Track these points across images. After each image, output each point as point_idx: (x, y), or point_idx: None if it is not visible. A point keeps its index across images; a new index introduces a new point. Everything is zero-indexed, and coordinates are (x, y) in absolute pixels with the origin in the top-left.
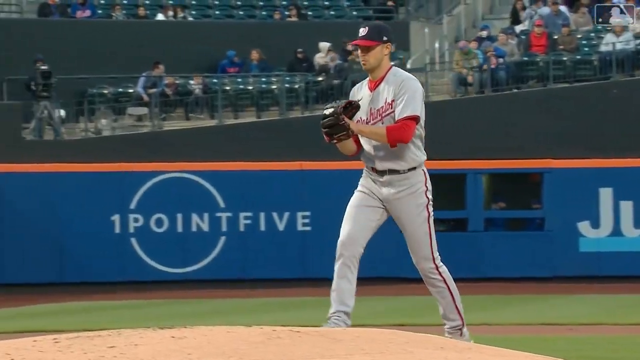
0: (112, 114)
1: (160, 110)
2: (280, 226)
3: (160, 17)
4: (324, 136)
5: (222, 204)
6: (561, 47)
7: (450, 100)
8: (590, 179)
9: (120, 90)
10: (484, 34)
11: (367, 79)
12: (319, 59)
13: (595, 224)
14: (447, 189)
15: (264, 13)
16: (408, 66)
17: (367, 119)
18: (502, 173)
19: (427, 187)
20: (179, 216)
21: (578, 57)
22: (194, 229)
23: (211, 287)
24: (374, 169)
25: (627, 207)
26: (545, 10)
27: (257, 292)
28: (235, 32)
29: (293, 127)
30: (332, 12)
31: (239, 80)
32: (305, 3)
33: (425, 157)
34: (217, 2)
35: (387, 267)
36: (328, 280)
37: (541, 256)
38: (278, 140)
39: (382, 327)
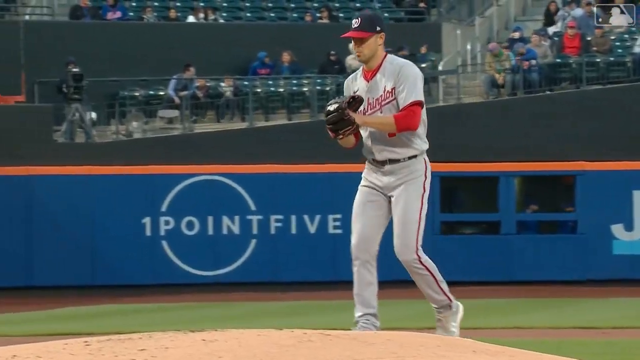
0: (143, 116)
1: (191, 113)
2: (312, 229)
3: (191, 19)
4: (329, 132)
5: (253, 207)
6: (594, 48)
7: (482, 103)
8: (624, 181)
9: (151, 92)
10: (516, 35)
11: (361, 69)
12: (351, 60)
13: (629, 227)
14: (479, 192)
15: (295, 15)
16: (440, 68)
17: (364, 109)
18: (535, 176)
19: (426, 176)
20: (210, 219)
21: (611, 58)
22: (224, 231)
23: (242, 290)
24: (374, 160)
25: None
26: (579, 11)
27: (288, 295)
28: (266, 34)
29: (324, 129)
30: None
31: (270, 82)
32: (337, 5)
33: (427, 146)
34: (248, 4)
35: None
36: None
37: (574, 259)
38: (309, 143)
39: (413, 331)
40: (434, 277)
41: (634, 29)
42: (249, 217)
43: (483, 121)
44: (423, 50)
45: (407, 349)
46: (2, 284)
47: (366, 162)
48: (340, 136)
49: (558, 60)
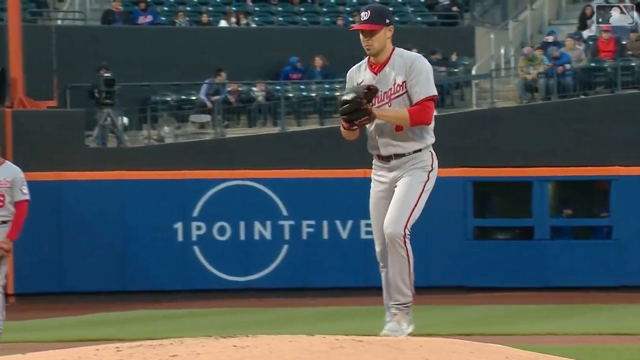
0: (174, 121)
1: (223, 118)
2: (344, 234)
3: (223, 23)
4: (342, 122)
5: (284, 212)
6: (630, 52)
7: (516, 107)
8: None
9: (183, 97)
10: (550, 39)
11: (365, 61)
12: None
13: None
14: (513, 197)
15: (327, 19)
16: (473, 72)
17: (373, 102)
18: (569, 181)
19: (432, 167)
20: (242, 224)
21: None
22: (256, 237)
23: (273, 295)
24: (379, 156)
25: None
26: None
27: (319, 300)
28: (298, 39)
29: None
30: (396, 18)
31: (302, 87)
32: None
33: (433, 140)
34: (280, 9)
35: (450, 276)
36: None
37: (609, 265)
38: (341, 148)
39: (446, 337)
40: (409, 265)
41: None
42: (281, 222)
43: (516, 126)
44: (454, 57)
45: (438, 355)
46: (33, 290)
47: (373, 159)
48: (355, 127)
49: (592, 64)
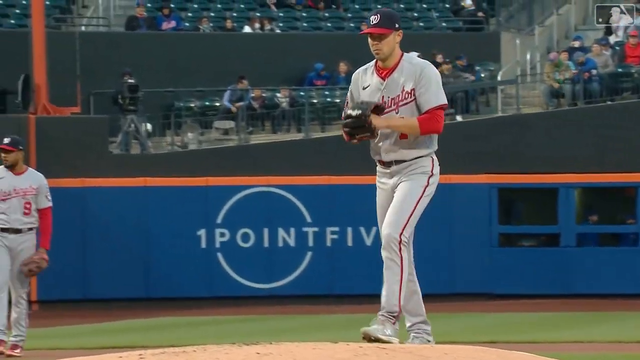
0: (198, 127)
1: (247, 124)
2: (368, 241)
3: (247, 29)
4: (344, 135)
5: (309, 219)
6: None
7: (542, 113)
8: None
9: (207, 103)
10: (576, 44)
11: (372, 64)
12: None
13: None
14: (538, 204)
15: (352, 25)
16: (499, 78)
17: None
18: (595, 187)
19: (432, 173)
20: (266, 231)
21: None
22: (280, 244)
23: (297, 302)
24: (380, 161)
25: None
26: None
27: (344, 307)
28: (322, 45)
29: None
30: (421, 24)
31: (327, 93)
32: None
33: (435, 148)
34: (304, 14)
35: (475, 283)
36: None
37: (635, 272)
38: (365, 154)
39: (470, 345)
40: (401, 274)
41: None
42: (305, 229)
43: (542, 132)
44: (479, 70)
45: None
46: (57, 297)
47: (377, 166)
48: (355, 141)
49: (619, 69)
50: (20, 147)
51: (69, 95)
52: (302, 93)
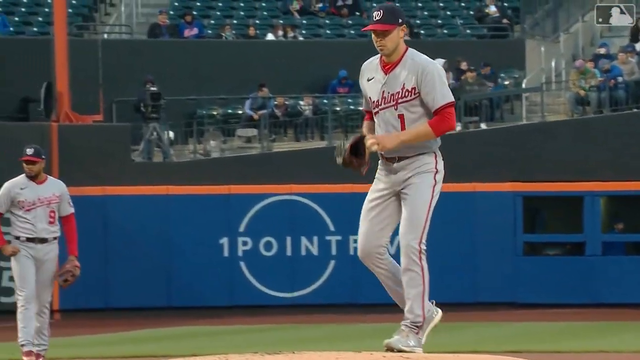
0: (221, 135)
1: (270, 132)
2: (391, 249)
3: (270, 36)
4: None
5: (332, 227)
6: None
7: (567, 120)
8: None
9: (230, 111)
10: (602, 51)
11: (378, 56)
12: None
13: None
14: (564, 212)
15: None
16: (523, 85)
17: (378, 100)
18: (621, 195)
19: (437, 169)
20: (288, 239)
21: None
22: (303, 252)
23: (320, 312)
24: (383, 157)
25: None
26: None
27: (367, 317)
28: (346, 52)
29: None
30: (445, 31)
31: (350, 100)
32: (418, 22)
33: (439, 144)
34: (327, 22)
35: (499, 292)
36: (438, 305)
37: None
38: None
39: (494, 354)
40: (423, 282)
41: None
42: (328, 237)
43: (568, 139)
44: (503, 77)
45: None
46: (78, 306)
47: (379, 163)
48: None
49: None
50: (43, 157)
51: (91, 103)
52: (325, 101)
